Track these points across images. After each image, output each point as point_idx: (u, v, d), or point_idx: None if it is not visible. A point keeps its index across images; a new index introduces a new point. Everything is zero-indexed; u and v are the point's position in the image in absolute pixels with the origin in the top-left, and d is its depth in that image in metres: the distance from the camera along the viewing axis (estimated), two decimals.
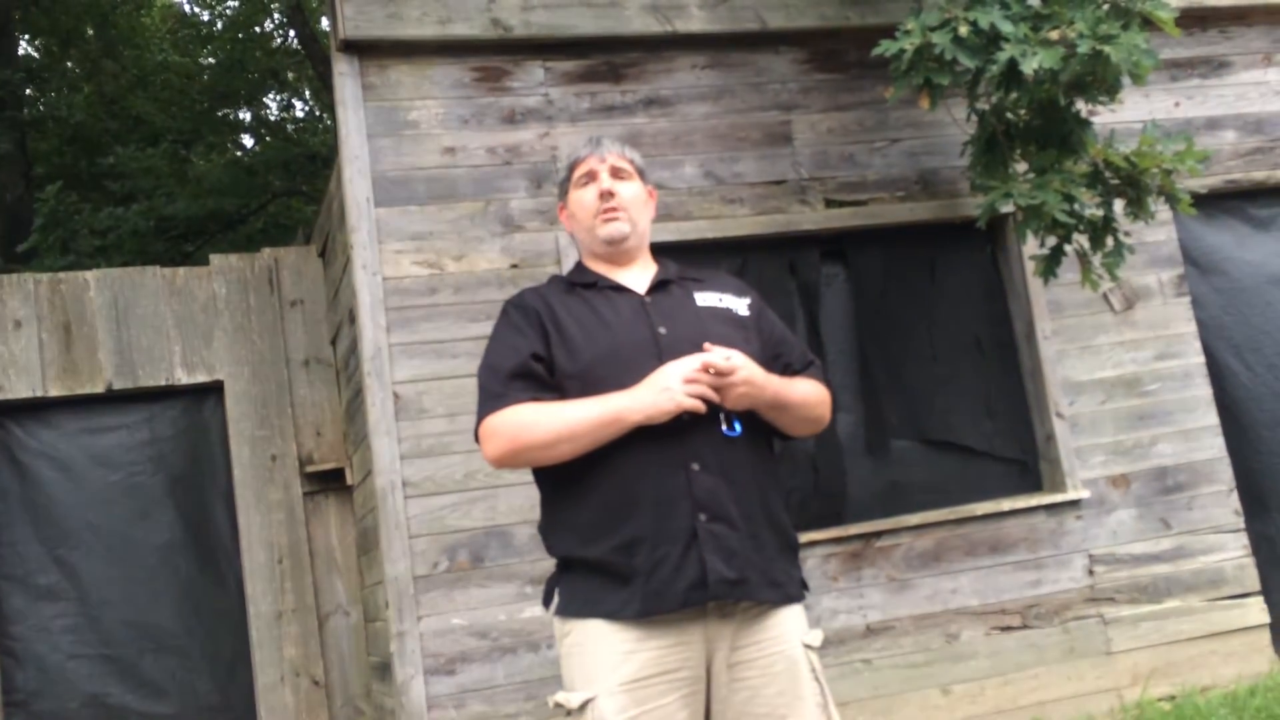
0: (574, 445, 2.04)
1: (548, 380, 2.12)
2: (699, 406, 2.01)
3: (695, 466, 2.05)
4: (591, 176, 2.30)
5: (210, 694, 4.99)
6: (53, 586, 4.92)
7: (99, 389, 5.03)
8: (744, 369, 2.05)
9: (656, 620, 2.00)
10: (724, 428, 2.07)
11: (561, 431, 2.04)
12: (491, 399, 2.11)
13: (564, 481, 2.11)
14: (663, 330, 2.15)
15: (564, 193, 2.37)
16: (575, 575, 2.11)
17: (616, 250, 2.28)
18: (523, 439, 2.06)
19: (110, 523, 5.03)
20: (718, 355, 2.03)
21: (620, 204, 2.27)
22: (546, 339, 2.15)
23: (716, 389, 2.03)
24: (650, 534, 2.02)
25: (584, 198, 2.30)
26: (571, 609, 2.09)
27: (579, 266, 2.35)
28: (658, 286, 2.26)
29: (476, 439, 2.15)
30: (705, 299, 2.26)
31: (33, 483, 5.00)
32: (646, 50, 4.58)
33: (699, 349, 2.08)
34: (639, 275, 2.29)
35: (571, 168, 2.34)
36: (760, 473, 2.15)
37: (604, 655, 2.02)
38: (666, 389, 2.00)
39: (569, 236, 2.44)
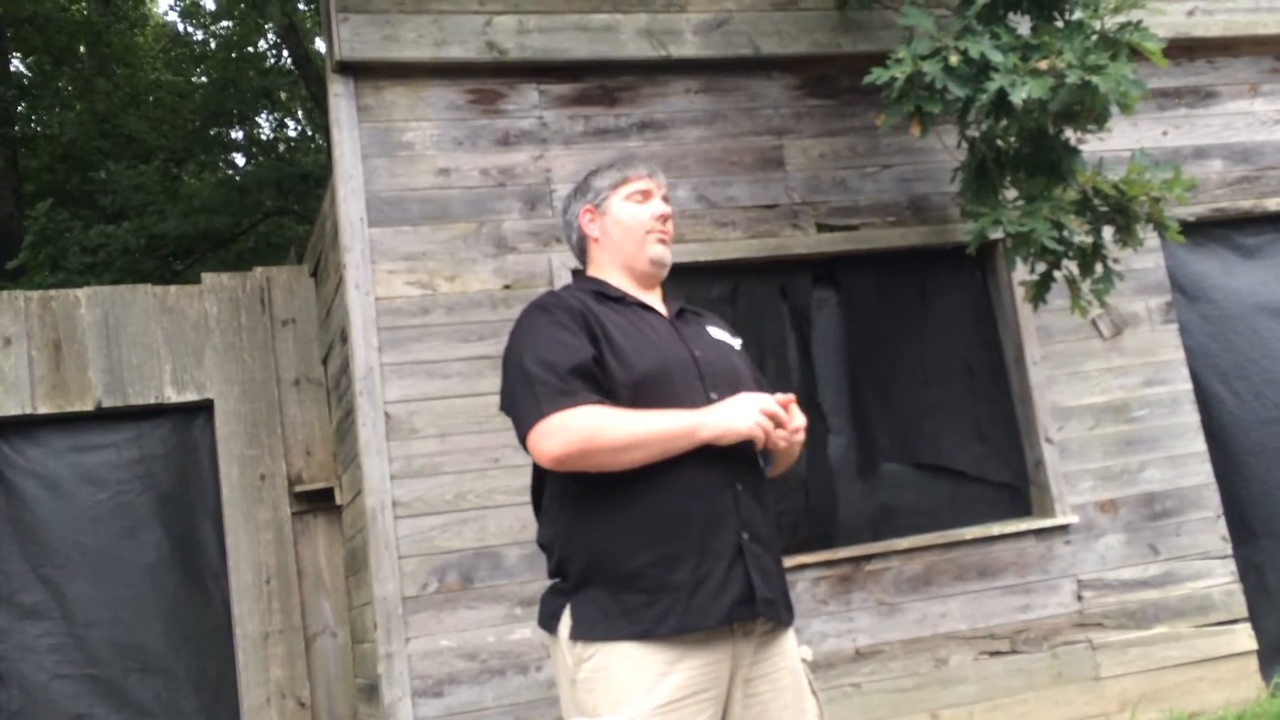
0: (645, 453, 2.00)
1: (603, 385, 2.06)
2: (762, 439, 2.03)
3: (739, 487, 2.07)
4: (647, 195, 2.32)
5: (196, 715, 4.95)
6: (38, 605, 4.88)
7: (88, 407, 5.02)
8: (804, 424, 2.11)
9: (689, 639, 1.98)
10: (761, 462, 2.13)
11: (637, 438, 1.99)
12: (557, 394, 2.00)
13: (598, 490, 2.04)
14: (698, 353, 2.18)
15: (599, 199, 2.33)
16: (596, 592, 2.03)
17: (655, 272, 2.30)
18: (597, 440, 1.98)
19: (97, 541, 5.00)
20: (796, 413, 2.08)
21: (670, 232, 2.32)
22: (596, 344, 2.10)
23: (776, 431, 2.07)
24: (696, 549, 2.01)
25: (637, 213, 2.30)
26: (594, 632, 2.01)
27: (594, 280, 2.31)
28: (678, 315, 2.30)
29: (525, 435, 2.03)
30: (715, 332, 2.32)
31: (20, 501, 4.97)
32: (640, 74, 4.61)
33: (730, 375, 2.17)
34: (657, 301, 2.31)
35: (624, 179, 2.32)
36: (771, 500, 2.21)
37: (635, 678, 1.96)
38: (749, 410, 2.02)
39: (573, 247, 2.41)
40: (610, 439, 1.98)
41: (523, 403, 2.05)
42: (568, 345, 2.07)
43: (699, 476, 2.03)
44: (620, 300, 2.23)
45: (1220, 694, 4.59)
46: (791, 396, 2.09)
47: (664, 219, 2.31)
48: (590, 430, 1.97)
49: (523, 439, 2.05)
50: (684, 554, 2.00)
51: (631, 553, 2.01)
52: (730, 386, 2.15)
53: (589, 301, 2.19)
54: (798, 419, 2.09)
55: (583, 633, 2.02)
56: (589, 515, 2.06)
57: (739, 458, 2.08)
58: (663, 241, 2.29)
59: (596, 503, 2.05)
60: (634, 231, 2.28)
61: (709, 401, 2.09)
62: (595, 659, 2.00)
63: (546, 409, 1.99)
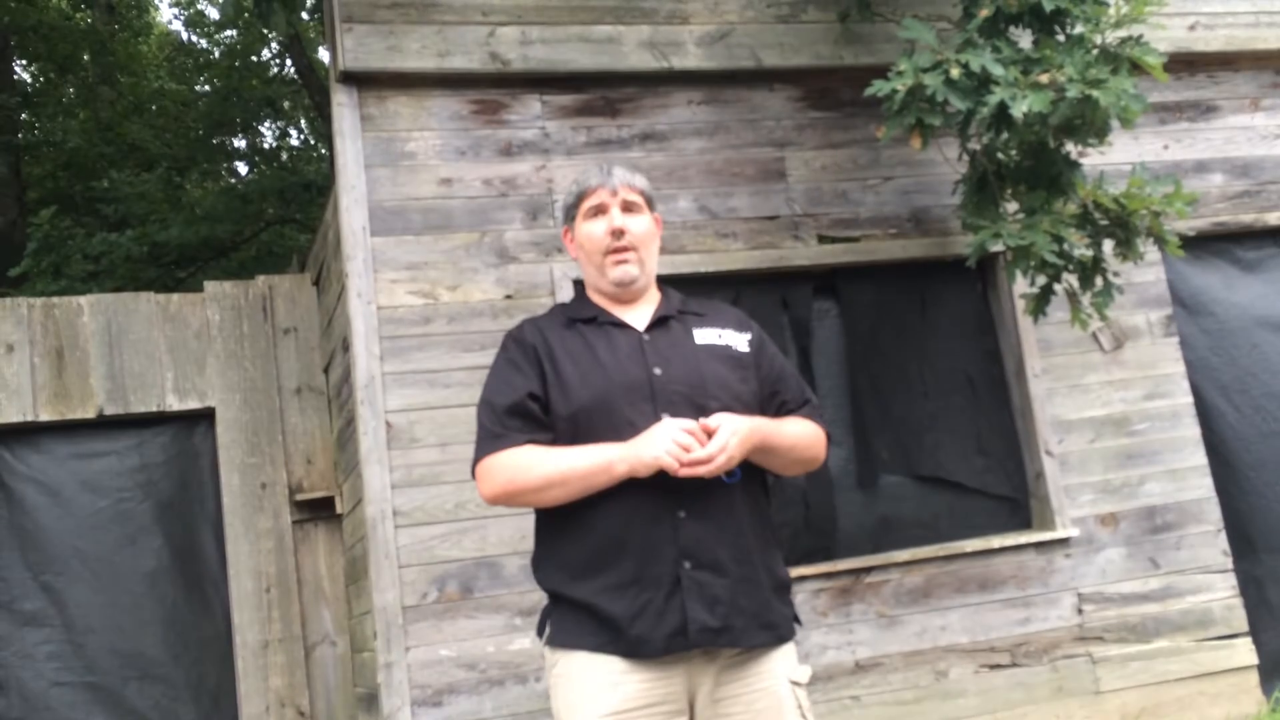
0: (565, 491, 2.07)
1: (543, 419, 2.14)
2: (674, 468, 1.99)
3: (682, 514, 2.06)
4: (601, 210, 2.26)
5: None
6: (38, 612, 4.88)
7: (90, 414, 5.02)
8: (723, 447, 2.01)
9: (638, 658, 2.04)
10: (723, 475, 2.06)
11: (553, 478, 2.07)
12: (490, 439, 2.15)
13: (558, 519, 2.13)
14: (658, 371, 2.15)
15: (570, 218, 2.33)
16: (563, 608, 2.14)
17: (620, 292, 2.27)
18: (516, 483, 2.10)
19: (97, 549, 5.00)
20: (712, 446, 2.01)
21: (631, 242, 2.24)
22: (544, 377, 2.16)
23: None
24: (633, 579, 2.04)
25: (593, 231, 2.26)
26: (560, 640, 2.12)
27: (581, 298, 2.35)
28: (658, 323, 2.25)
29: (473, 474, 2.18)
30: (704, 336, 2.25)
31: (20, 508, 4.97)
32: (643, 86, 4.63)
33: (694, 389, 2.12)
34: (642, 311, 2.28)
35: (581, 196, 2.29)
36: (754, 514, 2.16)
37: (589, 686, 2.04)
38: (657, 441, 2.01)
39: (570, 265, 2.45)
40: (527, 481, 2.09)
41: (475, 447, 2.19)
42: (510, 384, 2.17)
43: (637, 506, 2.05)
44: (592, 321, 2.24)
45: (1220, 708, 4.58)
46: (711, 423, 2.03)
47: (619, 234, 2.23)
48: (510, 473, 2.10)
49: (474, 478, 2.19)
50: (623, 584, 2.05)
51: (583, 580, 2.08)
52: (689, 401, 2.11)
53: (551, 331, 2.24)
54: (709, 448, 2.00)
55: (554, 640, 2.14)
56: (549, 543, 2.18)
57: (689, 483, 2.03)
58: (621, 261, 2.23)
59: (554, 529, 2.15)
60: (593, 255, 2.27)
61: (658, 420, 2.07)
62: (560, 665, 2.12)
63: (481, 452, 2.15)
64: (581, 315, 2.27)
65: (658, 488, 2.04)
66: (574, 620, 2.10)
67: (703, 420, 2.04)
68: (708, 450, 2.00)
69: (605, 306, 2.28)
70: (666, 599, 2.03)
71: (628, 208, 2.27)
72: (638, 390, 2.12)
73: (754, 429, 2.10)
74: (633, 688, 2.02)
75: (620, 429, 2.06)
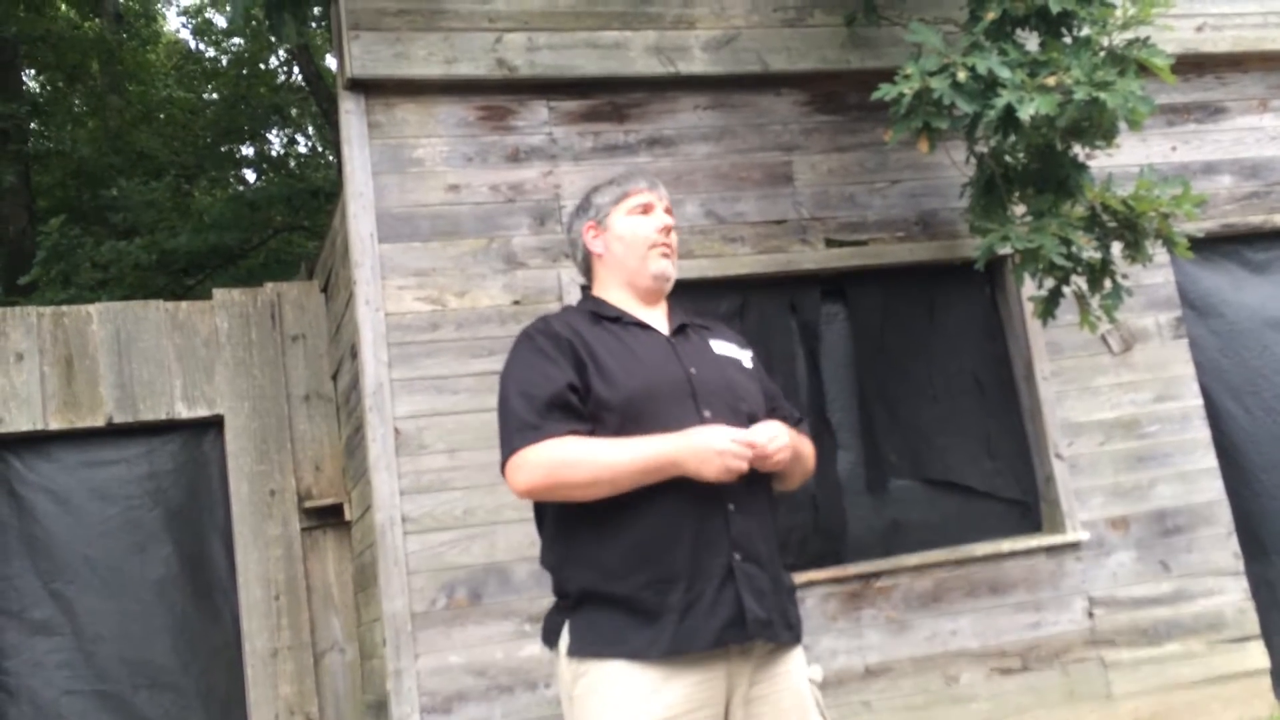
0: (613, 488, 2.01)
1: (582, 412, 2.08)
2: (738, 474, 2.03)
3: (731, 507, 2.06)
4: (649, 208, 2.31)
5: None
6: (48, 621, 4.89)
7: (99, 422, 5.03)
8: (785, 445, 2.09)
9: (681, 659, 1.99)
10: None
11: (603, 474, 2.00)
12: (527, 429, 2.05)
13: (591, 515, 2.06)
14: (693, 370, 2.17)
15: (600, 215, 2.34)
16: (592, 612, 2.06)
17: (659, 287, 2.29)
18: (561, 475, 2.02)
19: (107, 557, 5.00)
20: (763, 435, 2.06)
21: (673, 245, 2.31)
22: (582, 369, 2.11)
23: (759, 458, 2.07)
24: (686, 572, 2.01)
25: (639, 227, 2.29)
26: (589, 649, 2.03)
27: (594, 299, 2.32)
28: (678, 330, 2.28)
29: (503, 468, 2.08)
30: (719, 346, 2.29)
31: (30, 516, 4.98)
32: (650, 91, 4.63)
33: (728, 391, 2.15)
34: (659, 316, 2.30)
35: (625, 194, 2.32)
36: (773, 517, 2.20)
37: (626, 697, 1.98)
38: (722, 455, 1.99)
39: (579, 265, 2.42)
40: (575, 475, 2.01)
41: (502, 435, 2.10)
42: (546, 376, 2.09)
43: (689, 498, 2.03)
44: (617, 320, 2.23)
45: (1233, 712, 4.56)
46: (765, 426, 2.09)
47: (667, 231, 2.30)
48: (553, 465, 2.01)
49: (502, 471, 2.10)
50: (675, 576, 2.01)
51: (623, 576, 2.02)
52: (726, 403, 2.14)
53: (580, 325, 2.20)
54: (777, 443, 2.08)
55: (579, 650, 2.05)
56: (584, 538, 2.08)
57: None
58: (666, 255, 2.29)
59: (590, 526, 2.07)
60: (636, 246, 2.28)
61: (701, 420, 2.09)
62: (590, 676, 2.03)
63: (517, 444, 2.05)
64: (606, 314, 2.25)
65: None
66: (606, 623, 2.02)
67: (746, 435, 2.05)
68: (777, 444, 2.06)
69: (625, 308, 2.28)
70: (719, 590, 2.01)
71: (668, 214, 2.35)
72: (680, 387, 2.13)
73: (796, 437, 2.17)
74: (673, 694, 1.97)
75: (667, 424, 2.06)
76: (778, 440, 2.07)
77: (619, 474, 2.00)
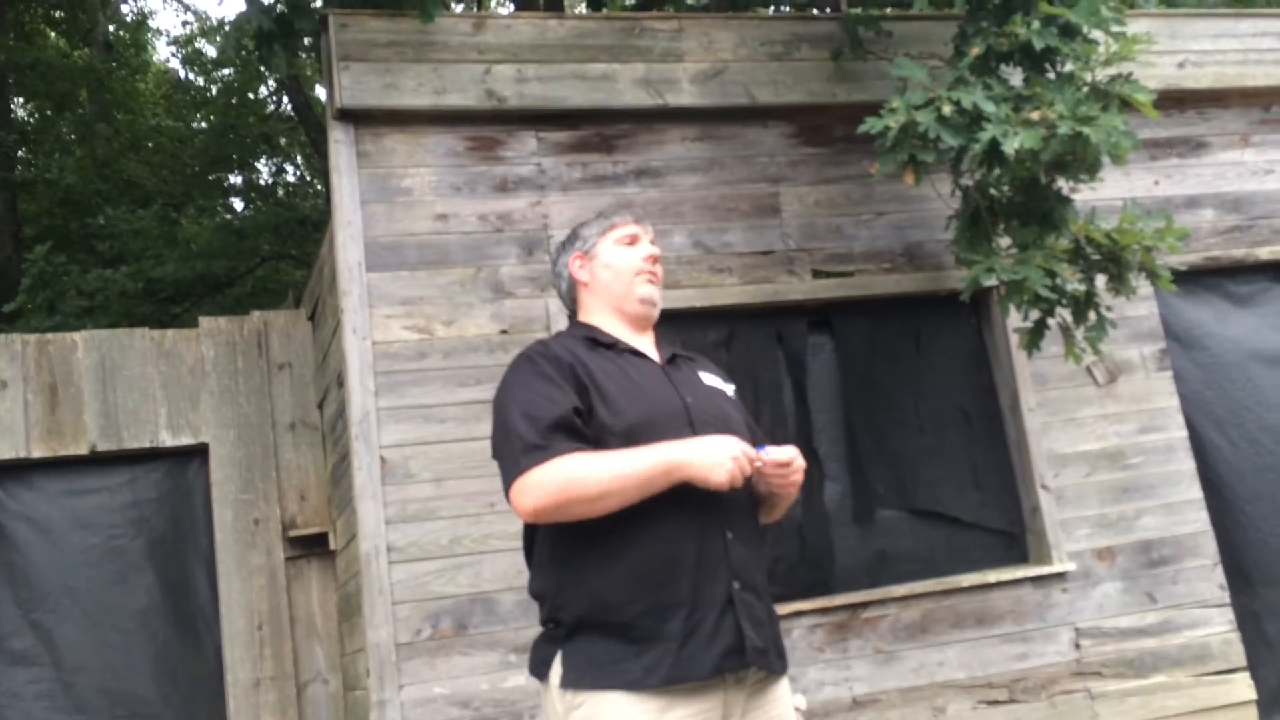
0: (623, 498, 1.98)
1: (587, 435, 2.05)
2: (735, 483, 2.01)
3: (730, 535, 2.06)
4: (635, 239, 2.35)
5: None
6: (27, 651, 4.83)
7: (83, 450, 5.00)
8: (801, 464, 2.12)
9: (680, 689, 1.97)
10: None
11: (612, 484, 1.97)
12: (533, 450, 2.01)
13: (588, 540, 2.04)
14: (689, 399, 2.18)
15: (587, 245, 2.36)
16: (586, 640, 2.03)
17: (646, 312, 2.31)
18: (571, 492, 1.98)
19: (88, 586, 4.96)
20: (783, 454, 2.08)
21: (659, 273, 2.35)
22: (584, 393, 2.09)
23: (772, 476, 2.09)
24: (688, 599, 2.00)
25: (627, 256, 2.33)
26: (584, 680, 2.00)
27: (587, 326, 2.32)
28: (670, 359, 2.30)
29: (507, 490, 2.04)
30: (708, 379, 2.31)
31: (11, 544, 4.93)
32: (638, 122, 4.66)
33: (722, 421, 2.15)
34: (649, 345, 2.32)
35: (611, 225, 2.37)
36: (763, 547, 2.20)
37: None
38: (726, 459, 1.98)
39: (564, 297, 2.43)
40: (584, 489, 1.98)
41: (504, 458, 2.07)
42: (550, 398, 2.07)
43: (688, 524, 2.03)
44: (611, 347, 2.23)
45: None
46: (783, 449, 2.11)
47: (653, 260, 2.33)
48: (563, 483, 1.98)
49: (505, 494, 2.06)
50: (675, 603, 2.00)
51: (623, 603, 2.00)
52: (720, 433, 2.13)
53: (579, 350, 2.18)
54: (796, 458, 2.11)
55: (573, 681, 2.01)
56: (580, 565, 2.06)
57: (730, 503, 2.07)
58: (652, 281, 2.31)
59: (587, 552, 2.05)
60: (623, 274, 2.30)
61: None
62: (585, 707, 1.99)
63: (524, 465, 2.01)
64: (602, 340, 2.25)
65: (709, 505, 2.04)
66: (602, 652, 2.00)
67: (751, 452, 2.06)
68: (797, 460, 2.09)
69: (618, 335, 2.28)
70: (719, 618, 2.00)
71: (654, 245, 2.39)
72: (678, 416, 2.13)
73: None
74: None
75: None
76: (798, 459, 2.10)
77: (628, 483, 1.97)
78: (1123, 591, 4.66)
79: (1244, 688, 4.68)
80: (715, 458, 1.98)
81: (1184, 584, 4.74)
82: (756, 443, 2.26)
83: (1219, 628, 4.73)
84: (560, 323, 4.26)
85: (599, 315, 2.32)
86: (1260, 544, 4.97)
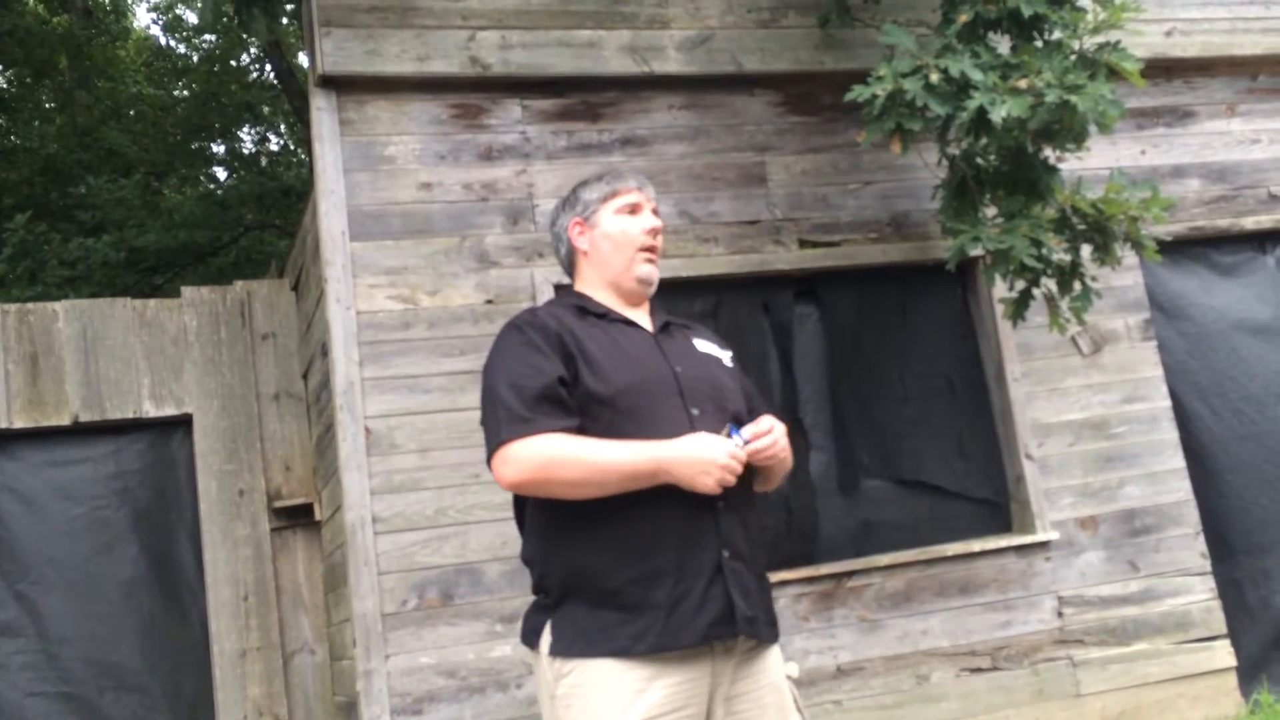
0: (602, 489, 2.00)
1: (571, 406, 2.06)
2: (727, 485, 2.03)
3: (720, 504, 2.06)
4: (636, 208, 2.30)
5: None
6: (11, 622, 4.82)
7: (65, 421, 4.96)
8: (782, 437, 2.11)
9: (667, 657, 1.98)
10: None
11: (593, 473, 1.99)
12: (518, 421, 2.02)
13: (576, 508, 2.04)
14: (679, 368, 2.17)
15: (588, 212, 2.32)
16: (574, 609, 2.04)
17: (642, 291, 2.29)
18: (551, 472, 1.99)
19: (72, 557, 4.94)
20: (758, 428, 2.08)
21: (659, 247, 2.31)
22: (570, 361, 2.09)
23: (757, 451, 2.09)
24: (674, 567, 2.00)
25: (627, 227, 2.28)
26: (573, 648, 2.01)
27: (579, 295, 2.31)
28: (663, 327, 2.29)
29: (490, 458, 2.05)
30: (702, 345, 2.30)
31: None
32: (624, 90, 4.62)
33: (714, 390, 2.15)
34: (643, 315, 2.31)
35: (613, 191, 2.31)
36: (756, 515, 2.19)
37: (612, 695, 1.96)
38: (713, 467, 1.99)
39: (562, 260, 2.40)
40: (564, 473, 1.99)
41: (489, 426, 2.07)
42: (537, 368, 2.06)
43: (679, 493, 2.02)
44: (603, 316, 2.23)
45: (1200, 711, 4.60)
46: (762, 422, 2.11)
47: (654, 233, 2.30)
48: (544, 461, 1.99)
49: (488, 462, 2.07)
50: (662, 572, 2.00)
51: (610, 571, 2.01)
52: (712, 401, 2.15)
53: (568, 318, 2.18)
54: (779, 439, 2.11)
55: (562, 649, 2.02)
56: (569, 532, 2.06)
57: None
58: (651, 260, 2.28)
59: (576, 520, 2.05)
60: (624, 247, 2.27)
61: (689, 418, 2.09)
62: (573, 675, 2.00)
63: (506, 436, 2.02)
64: (592, 309, 2.24)
65: None
66: (590, 620, 2.00)
67: (741, 436, 2.07)
68: (774, 435, 2.09)
69: (610, 305, 2.27)
70: (707, 587, 2.01)
71: (655, 215, 2.35)
72: (667, 385, 2.12)
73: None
74: (659, 693, 1.96)
75: (656, 420, 2.05)
76: (776, 429, 2.10)
77: (608, 477, 1.99)
78: (1105, 560, 4.70)
79: (1224, 655, 4.73)
80: (701, 465, 1.99)
81: (1166, 553, 4.78)
82: (754, 410, 2.26)
83: (1200, 596, 4.78)
84: (546, 292, 4.24)
85: (594, 286, 2.31)
86: (1242, 513, 5.01)
